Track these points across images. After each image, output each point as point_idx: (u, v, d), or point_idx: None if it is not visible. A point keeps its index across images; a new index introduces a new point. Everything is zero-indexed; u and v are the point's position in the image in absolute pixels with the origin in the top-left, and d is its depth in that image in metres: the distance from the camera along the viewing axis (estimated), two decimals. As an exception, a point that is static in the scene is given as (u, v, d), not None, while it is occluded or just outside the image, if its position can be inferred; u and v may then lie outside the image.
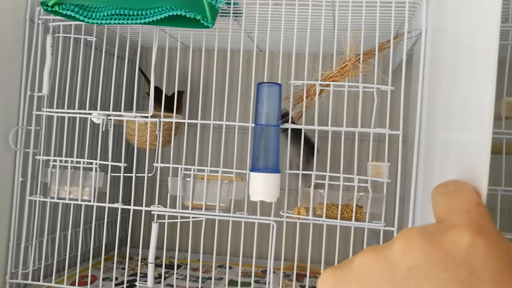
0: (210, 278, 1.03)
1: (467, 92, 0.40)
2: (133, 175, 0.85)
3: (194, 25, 0.78)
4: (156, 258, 0.83)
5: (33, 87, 0.89)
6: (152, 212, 0.83)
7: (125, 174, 0.85)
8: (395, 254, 0.26)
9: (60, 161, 0.86)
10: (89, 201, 0.86)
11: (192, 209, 0.82)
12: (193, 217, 0.82)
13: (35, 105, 0.89)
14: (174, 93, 0.89)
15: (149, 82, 1.06)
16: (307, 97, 0.84)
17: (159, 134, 0.85)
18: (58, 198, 0.87)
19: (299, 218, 0.79)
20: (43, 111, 0.88)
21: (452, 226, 0.26)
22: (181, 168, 0.82)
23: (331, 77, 0.81)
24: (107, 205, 0.85)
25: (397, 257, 0.25)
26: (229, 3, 0.81)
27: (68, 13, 0.79)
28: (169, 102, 0.89)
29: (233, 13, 0.83)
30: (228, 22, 0.84)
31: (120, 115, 0.87)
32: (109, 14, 0.79)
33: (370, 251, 0.27)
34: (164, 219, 0.83)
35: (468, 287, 0.24)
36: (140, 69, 1.03)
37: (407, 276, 0.25)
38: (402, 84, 0.79)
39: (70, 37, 0.87)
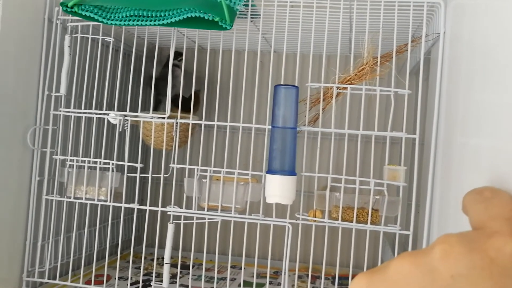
0: (223, 279, 1.04)
1: (496, 97, 0.40)
2: (149, 175, 0.85)
3: (212, 27, 0.78)
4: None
5: (50, 87, 0.89)
6: (168, 213, 0.84)
7: (141, 175, 0.85)
8: (436, 260, 0.25)
9: (77, 161, 0.87)
10: (106, 201, 0.86)
11: (207, 210, 0.82)
12: (208, 218, 0.82)
13: (53, 105, 0.89)
14: (191, 95, 0.89)
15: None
16: (323, 100, 0.84)
17: (176, 135, 0.85)
18: (75, 198, 0.87)
19: (314, 221, 0.79)
20: (60, 111, 0.89)
21: (494, 233, 0.26)
22: (197, 169, 0.82)
23: (348, 79, 0.81)
24: (123, 205, 0.86)
25: (438, 263, 0.25)
26: (247, 5, 0.81)
27: (87, 14, 0.80)
28: (185, 103, 0.89)
29: (250, 14, 0.83)
30: (242, 23, 0.84)
31: (137, 116, 0.87)
32: (128, 15, 0.79)
33: (408, 256, 0.26)
34: (179, 220, 0.83)
35: None
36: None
37: (449, 283, 0.24)
38: (419, 88, 0.79)
39: (87, 37, 0.88)
